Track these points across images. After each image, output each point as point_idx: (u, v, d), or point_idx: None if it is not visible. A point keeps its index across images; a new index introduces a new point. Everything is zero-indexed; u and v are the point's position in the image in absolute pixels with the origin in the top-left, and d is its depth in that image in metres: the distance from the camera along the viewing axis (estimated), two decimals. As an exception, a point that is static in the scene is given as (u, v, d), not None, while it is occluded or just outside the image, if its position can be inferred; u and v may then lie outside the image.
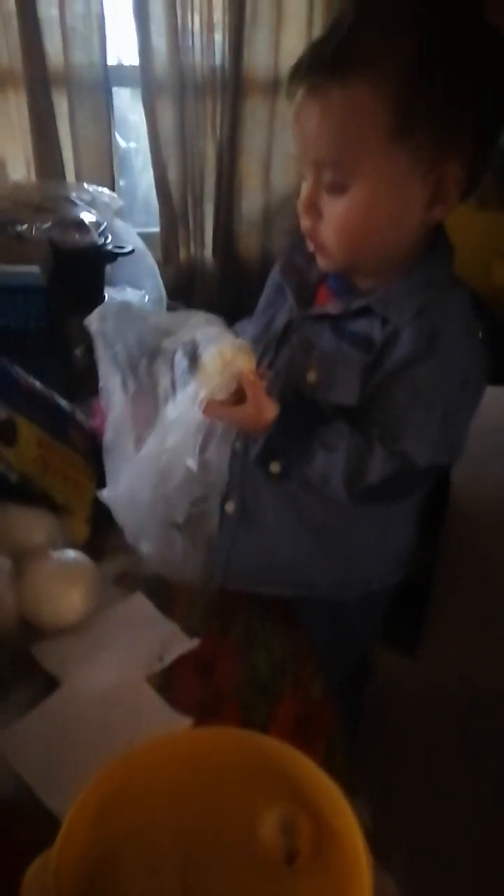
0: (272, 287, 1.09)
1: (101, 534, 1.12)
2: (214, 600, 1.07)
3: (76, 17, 2.13)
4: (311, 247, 0.95)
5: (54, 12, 2.11)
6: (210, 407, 0.92)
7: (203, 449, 0.95)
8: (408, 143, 0.82)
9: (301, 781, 0.63)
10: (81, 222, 1.66)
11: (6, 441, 1.07)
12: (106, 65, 2.22)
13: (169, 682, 0.93)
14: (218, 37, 2.27)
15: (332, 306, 0.95)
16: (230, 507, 1.07)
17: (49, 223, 1.61)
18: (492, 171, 1.19)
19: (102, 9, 2.15)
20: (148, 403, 0.96)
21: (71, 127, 2.26)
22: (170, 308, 2.11)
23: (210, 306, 0.97)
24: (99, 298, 1.70)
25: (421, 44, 0.79)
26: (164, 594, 1.06)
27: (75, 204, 1.79)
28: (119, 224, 1.95)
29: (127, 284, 1.93)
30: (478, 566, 1.75)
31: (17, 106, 2.20)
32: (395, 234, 0.89)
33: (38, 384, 1.21)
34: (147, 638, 0.99)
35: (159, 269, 2.13)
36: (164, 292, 2.09)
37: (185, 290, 2.51)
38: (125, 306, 0.98)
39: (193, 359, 0.94)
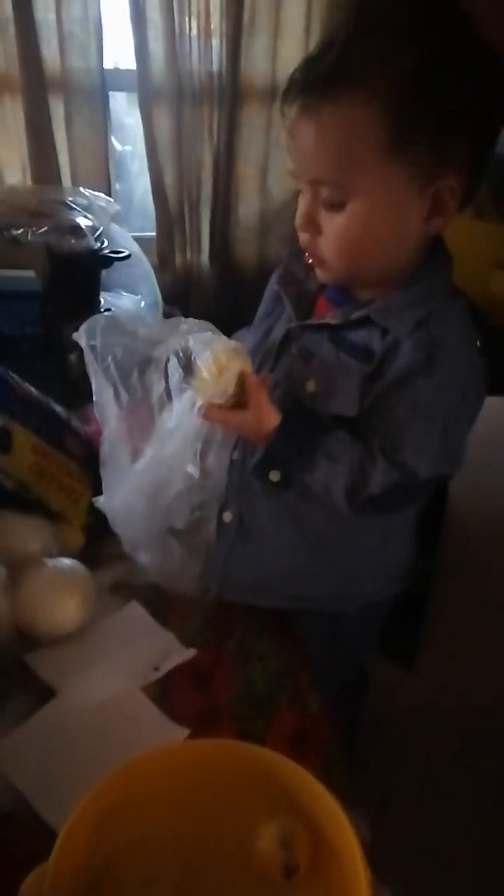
0: (270, 296, 1.08)
1: (97, 542, 1.11)
2: (211, 611, 1.06)
3: (73, 21, 2.13)
4: (310, 261, 0.95)
5: (51, 16, 2.11)
6: (210, 412, 0.91)
7: (203, 456, 0.94)
8: (404, 158, 0.82)
9: (299, 794, 0.63)
10: (78, 227, 1.66)
11: (1, 448, 1.07)
12: (103, 70, 2.22)
13: (165, 693, 0.93)
14: (215, 43, 2.27)
15: (331, 317, 0.95)
16: (228, 517, 1.06)
17: (45, 228, 1.61)
18: (489, 182, 1.19)
19: (100, 13, 2.14)
20: (142, 414, 0.96)
21: (67, 132, 2.26)
22: (166, 313, 2.11)
23: (206, 312, 0.97)
24: (95, 303, 1.70)
25: (414, 60, 0.79)
26: (161, 604, 1.06)
27: (71, 209, 1.78)
28: (115, 229, 1.94)
29: (123, 289, 1.93)
30: (475, 577, 1.75)
31: (14, 110, 2.20)
32: (394, 247, 0.89)
33: (33, 390, 1.20)
34: (143, 647, 0.98)
35: (155, 274, 2.13)
36: (160, 297, 2.09)
37: (181, 295, 2.50)
38: (113, 319, 0.98)
39: (188, 365, 0.93)
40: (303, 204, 0.89)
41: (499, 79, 0.83)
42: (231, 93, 2.32)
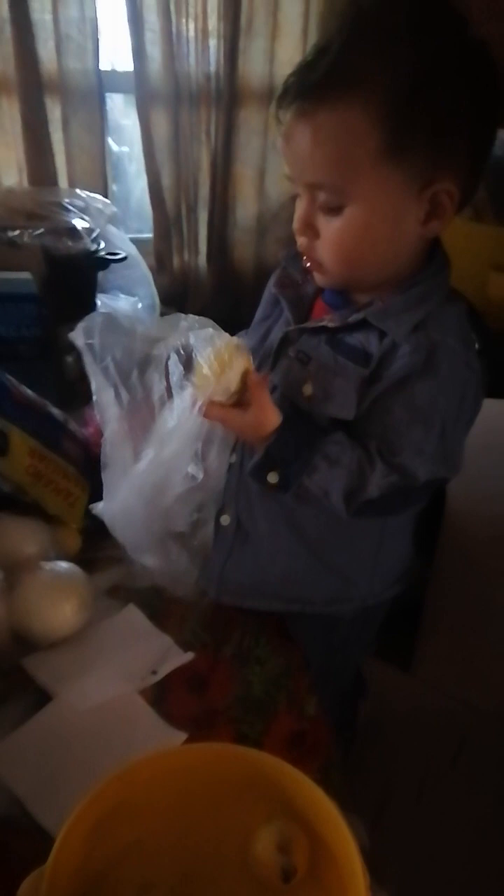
0: (268, 299, 1.08)
1: (94, 545, 1.11)
2: (208, 614, 1.06)
3: (70, 22, 2.12)
4: (307, 265, 0.95)
5: (48, 17, 2.10)
6: (210, 409, 0.90)
7: (204, 456, 0.93)
8: (401, 161, 0.81)
9: (297, 798, 0.63)
10: (74, 229, 1.66)
11: (-2, 451, 1.07)
12: (99, 71, 2.21)
13: (163, 697, 0.93)
14: (213, 44, 2.27)
15: (329, 320, 0.95)
16: (225, 520, 1.06)
17: (42, 230, 1.61)
18: (486, 184, 1.19)
19: (96, 14, 2.14)
20: (144, 414, 0.94)
21: (64, 133, 2.25)
22: (163, 315, 2.10)
23: (203, 313, 0.96)
24: (92, 305, 1.69)
25: (410, 64, 0.79)
26: (158, 607, 1.05)
27: (68, 210, 1.79)
28: (112, 231, 1.94)
29: (120, 291, 1.93)
30: (473, 580, 1.75)
31: (10, 112, 2.19)
32: (391, 251, 0.89)
33: (30, 393, 1.20)
34: (140, 651, 0.98)
35: (153, 275, 2.12)
36: (157, 299, 2.09)
37: (178, 297, 2.50)
38: (110, 317, 0.96)
39: (188, 362, 0.91)
40: (300, 208, 0.89)
41: (495, 81, 0.83)
42: (228, 94, 2.32)
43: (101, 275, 1.71)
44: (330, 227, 0.87)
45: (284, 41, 2.30)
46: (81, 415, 1.29)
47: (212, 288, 2.57)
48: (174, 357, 0.92)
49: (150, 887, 0.59)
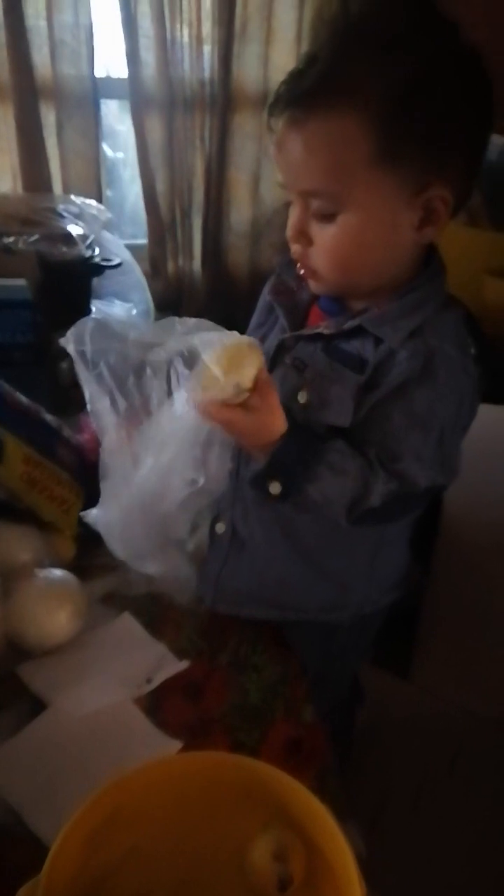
0: (263, 306, 1.08)
1: (89, 552, 1.10)
2: (205, 622, 1.06)
3: (64, 28, 2.12)
4: (302, 272, 0.94)
5: (42, 23, 2.10)
6: (217, 410, 0.84)
7: (204, 461, 0.90)
8: (394, 168, 0.81)
9: (293, 807, 0.63)
10: (69, 235, 1.66)
11: (-7, 458, 1.06)
12: (94, 77, 2.22)
13: (157, 705, 0.92)
14: (207, 50, 2.27)
15: (324, 326, 0.94)
16: (221, 528, 1.06)
17: (36, 236, 1.61)
18: (480, 189, 1.19)
19: (91, 20, 2.14)
20: (142, 421, 0.92)
21: (58, 139, 2.25)
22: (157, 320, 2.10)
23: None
24: (86, 311, 1.69)
25: (401, 71, 0.78)
26: (153, 614, 1.05)
27: (62, 216, 1.79)
28: (107, 236, 1.94)
29: (115, 297, 1.92)
30: (469, 586, 1.75)
31: (4, 117, 2.19)
32: (386, 257, 0.89)
33: (24, 399, 1.20)
34: (135, 659, 0.98)
35: (147, 281, 2.12)
36: (151, 305, 2.09)
37: (173, 302, 2.50)
38: (101, 322, 0.94)
39: (193, 366, 0.86)
40: (293, 216, 0.89)
41: (487, 86, 0.83)
42: (223, 100, 2.33)
43: (95, 280, 1.71)
44: (324, 235, 0.87)
45: (279, 46, 2.31)
46: (76, 421, 1.29)
47: (206, 293, 2.57)
48: (179, 361, 0.87)
49: (146, 895, 0.59)
